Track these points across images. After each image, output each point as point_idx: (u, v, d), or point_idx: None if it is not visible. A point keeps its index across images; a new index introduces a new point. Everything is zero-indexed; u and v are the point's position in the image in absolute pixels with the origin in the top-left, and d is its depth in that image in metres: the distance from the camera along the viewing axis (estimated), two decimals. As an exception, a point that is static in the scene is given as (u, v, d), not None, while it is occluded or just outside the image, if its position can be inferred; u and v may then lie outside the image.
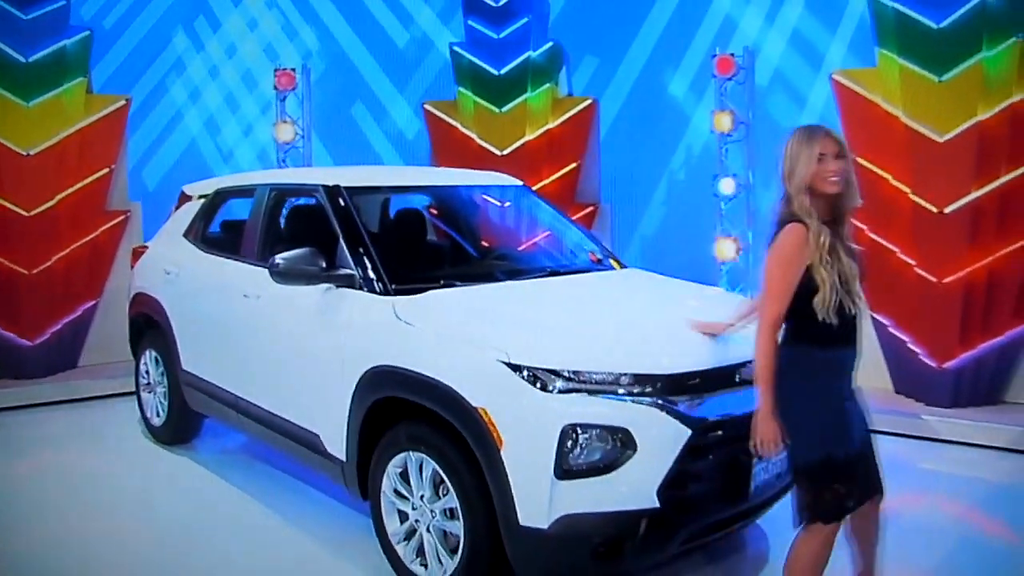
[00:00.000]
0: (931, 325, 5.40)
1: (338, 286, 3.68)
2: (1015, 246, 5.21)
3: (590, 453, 2.85)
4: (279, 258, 3.67)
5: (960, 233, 5.21)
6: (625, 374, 2.93)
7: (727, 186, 7.05)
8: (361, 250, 3.70)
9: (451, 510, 3.15)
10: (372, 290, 3.57)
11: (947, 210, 5.22)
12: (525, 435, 2.88)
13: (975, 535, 3.99)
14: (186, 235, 5.15)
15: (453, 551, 3.16)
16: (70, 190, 6.38)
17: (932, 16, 5.19)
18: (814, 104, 8.34)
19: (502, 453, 2.89)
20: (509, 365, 2.94)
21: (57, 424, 5.84)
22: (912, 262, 5.42)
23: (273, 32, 10.47)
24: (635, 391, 2.92)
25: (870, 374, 5.37)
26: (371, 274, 3.60)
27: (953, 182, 5.19)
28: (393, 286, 3.55)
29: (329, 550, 3.81)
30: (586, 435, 2.85)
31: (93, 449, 5.34)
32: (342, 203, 3.95)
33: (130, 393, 6.44)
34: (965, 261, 5.24)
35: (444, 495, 3.18)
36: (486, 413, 2.92)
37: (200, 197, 5.28)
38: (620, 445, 2.85)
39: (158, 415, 5.30)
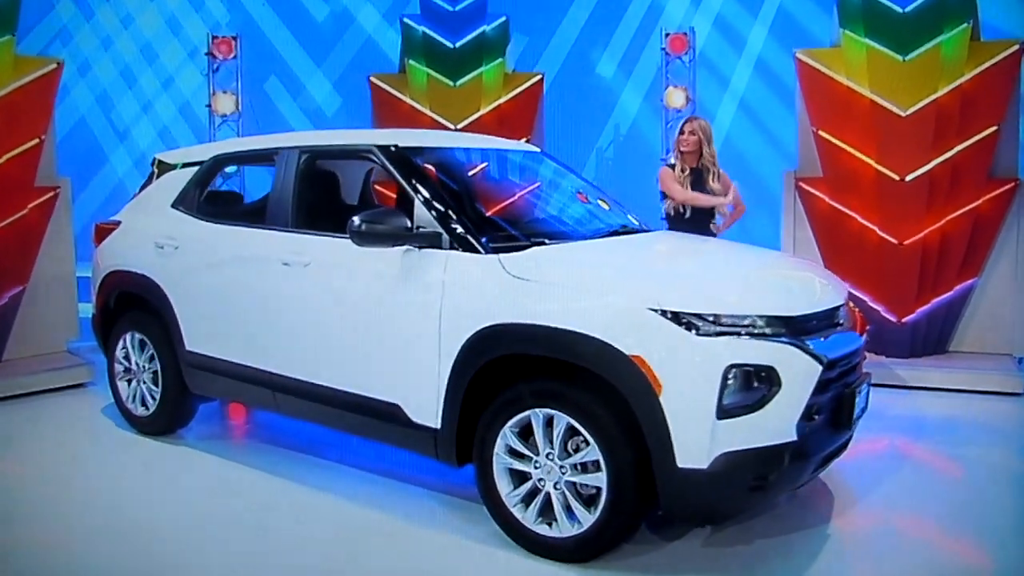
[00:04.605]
0: (892, 284, 5.94)
1: (420, 247, 3.55)
2: (962, 210, 5.83)
3: (745, 392, 2.96)
4: (359, 218, 3.50)
5: (919, 199, 5.77)
6: (762, 316, 3.06)
7: (678, 160, 7.33)
8: (447, 209, 3.59)
9: (584, 464, 3.14)
10: (468, 249, 3.47)
11: (908, 178, 5.76)
12: (686, 379, 2.92)
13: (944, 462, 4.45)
14: (176, 206, 4.74)
15: (587, 505, 3.16)
16: (-1, 161, 5.67)
17: (898, 1, 5.71)
18: (736, 85, 8.91)
19: (660, 398, 2.93)
20: (661, 312, 2.98)
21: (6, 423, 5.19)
22: (874, 227, 5.93)
23: (175, 2, 9.65)
24: (771, 332, 3.05)
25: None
26: (465, 233, 3.50)
27: (914, 153, 5.73)
28: (491, 244, 3.47)
29: (402, 520, 3.64)
30: (741, 375, 2.94)
31: (68, 447, 4.78)
32: (410, 163, 3.81)
33: (71, 387, 5.93)
34: (922, 224, 5.81)
35: (575, 450, 3.17)
36: (642, 360, 2.95)
37: (185, 165, 4.85)
38: (768, 383, 2.98)
39: (144, 405, 4.84)
